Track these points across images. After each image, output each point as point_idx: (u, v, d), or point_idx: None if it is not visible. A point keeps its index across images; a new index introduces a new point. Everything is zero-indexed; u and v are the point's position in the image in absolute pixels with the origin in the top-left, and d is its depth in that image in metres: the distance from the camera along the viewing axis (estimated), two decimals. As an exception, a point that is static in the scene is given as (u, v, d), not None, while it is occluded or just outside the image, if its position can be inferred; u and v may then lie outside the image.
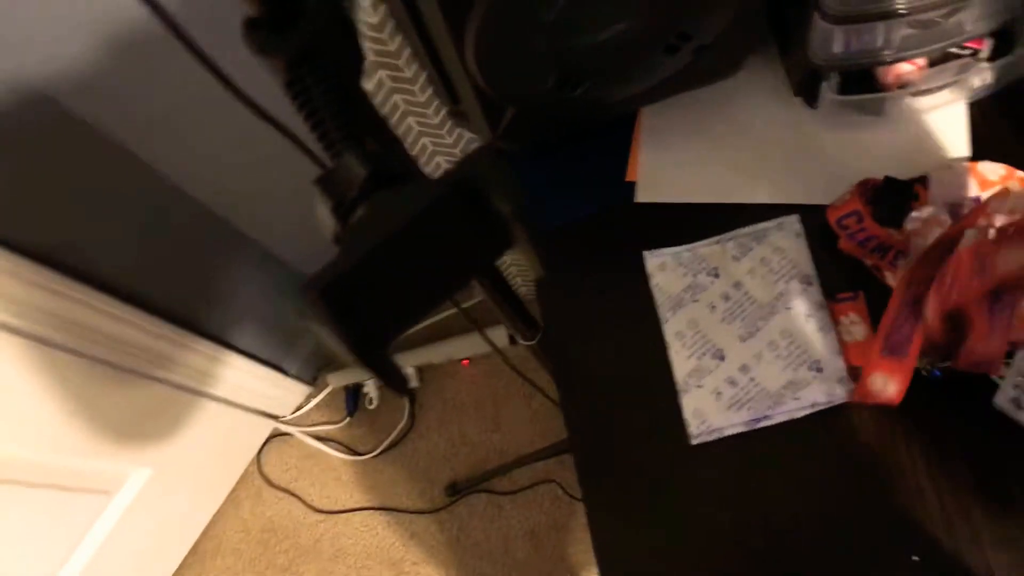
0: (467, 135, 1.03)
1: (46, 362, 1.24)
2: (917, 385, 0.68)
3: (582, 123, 0.85)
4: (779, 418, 0.73)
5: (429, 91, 0.95)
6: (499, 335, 1.77)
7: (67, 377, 1.29)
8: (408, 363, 1.81)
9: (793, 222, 0.81)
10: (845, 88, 0.78)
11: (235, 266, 1.55)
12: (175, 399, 1.55)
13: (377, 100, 0.93)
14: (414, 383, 1.81)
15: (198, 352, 1.51)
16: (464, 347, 1.80)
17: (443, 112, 0.97)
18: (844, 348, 0.74)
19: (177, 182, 1.31)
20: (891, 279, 0.73)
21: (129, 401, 1.44)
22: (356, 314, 0.33)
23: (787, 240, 0.80)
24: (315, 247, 1.58)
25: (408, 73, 0.90)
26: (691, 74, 0.80)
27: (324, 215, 0.38)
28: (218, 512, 1.86)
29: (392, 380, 0.35)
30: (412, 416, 1.81)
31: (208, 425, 1.68)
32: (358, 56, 0.45)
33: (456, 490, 1.72)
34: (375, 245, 0.34)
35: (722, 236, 0.83)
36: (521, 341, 0.92)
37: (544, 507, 1.66)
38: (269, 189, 1.39)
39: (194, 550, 1.84)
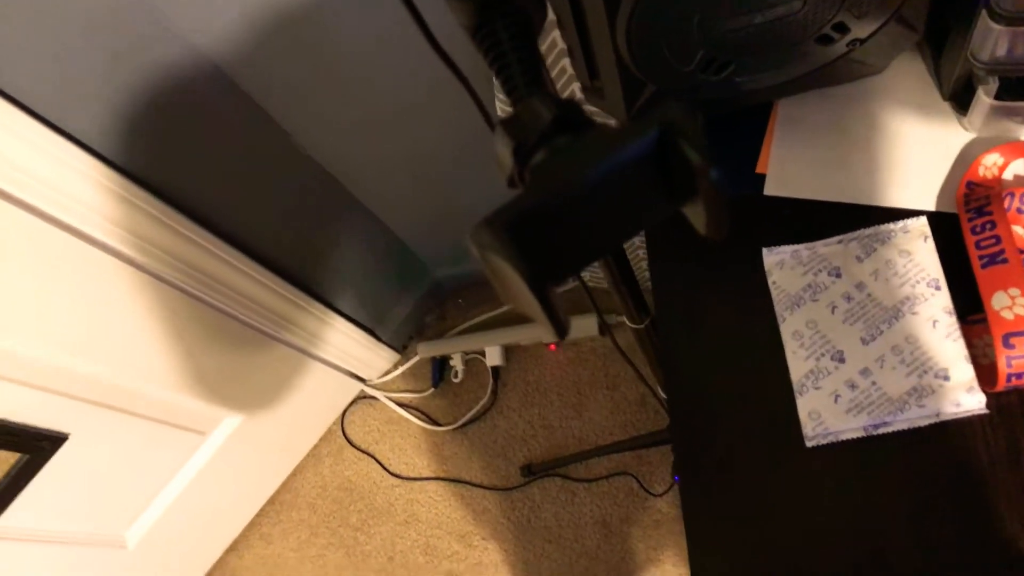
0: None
1: (168, 301, 1.31)
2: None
3: (718, 109, 0.84)
4: (899, 425, 0.71)
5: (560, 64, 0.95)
6: (589, 324, 1.77)
7: (184, 318, 1.36)
8: (496, 342, 1.83)
9: (921, 225, 0.78)
10: (1001, 94, 0.75)
11: (346, 230, 1.59)
12: (273, 351, 1.61)
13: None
14: (499, 362, 1.83)
15: (301, 308, 1.56)
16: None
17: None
18: (978, 370, 0.70)
19: (310, 151, 1.38)
20: None
21: (233, 348, 1.50)
22: (533, 251, 0.34)
23: (914, 243, 0.77)
24: (422, 219, 1.62)
25: (542, 46, 0.91)
26: (838, 68, 0.78)
27: (504, 156, 0.39)
28: (299, 466, 1.93)
29: (557, 320, 0.36)
30: (494, 394, 1.83)
31: (300, 379, 1.74)
32: (543, 11, 0.45)
33: (531, 471, 1.73)
34: (562, 186, 0.35)
35: (844, 236, 0.80)
36: (629, 324, 0.92)
37: (618, 499, 1.65)
38: (387, 161, 1.43)
39: (272, 500, 1.92)
